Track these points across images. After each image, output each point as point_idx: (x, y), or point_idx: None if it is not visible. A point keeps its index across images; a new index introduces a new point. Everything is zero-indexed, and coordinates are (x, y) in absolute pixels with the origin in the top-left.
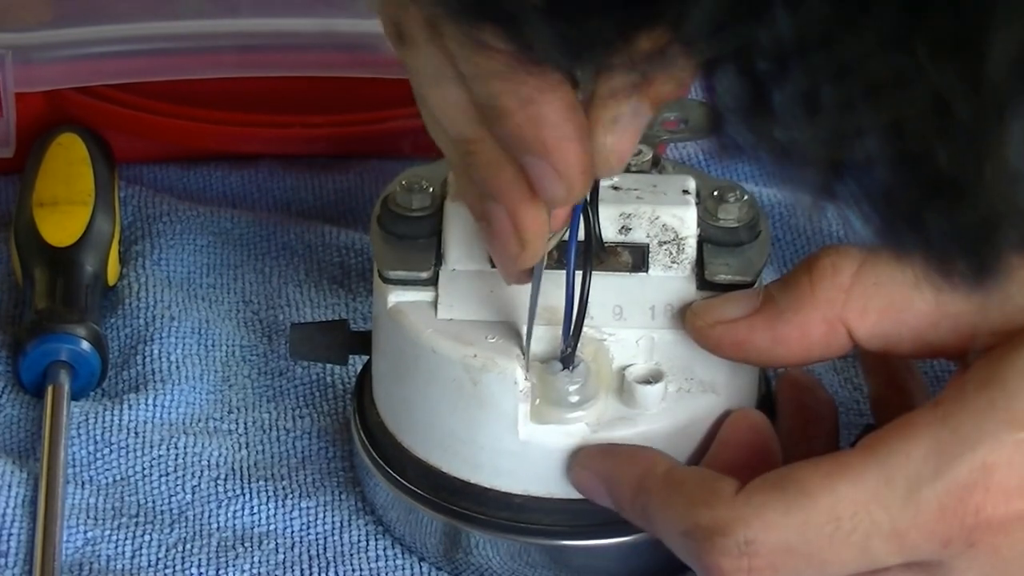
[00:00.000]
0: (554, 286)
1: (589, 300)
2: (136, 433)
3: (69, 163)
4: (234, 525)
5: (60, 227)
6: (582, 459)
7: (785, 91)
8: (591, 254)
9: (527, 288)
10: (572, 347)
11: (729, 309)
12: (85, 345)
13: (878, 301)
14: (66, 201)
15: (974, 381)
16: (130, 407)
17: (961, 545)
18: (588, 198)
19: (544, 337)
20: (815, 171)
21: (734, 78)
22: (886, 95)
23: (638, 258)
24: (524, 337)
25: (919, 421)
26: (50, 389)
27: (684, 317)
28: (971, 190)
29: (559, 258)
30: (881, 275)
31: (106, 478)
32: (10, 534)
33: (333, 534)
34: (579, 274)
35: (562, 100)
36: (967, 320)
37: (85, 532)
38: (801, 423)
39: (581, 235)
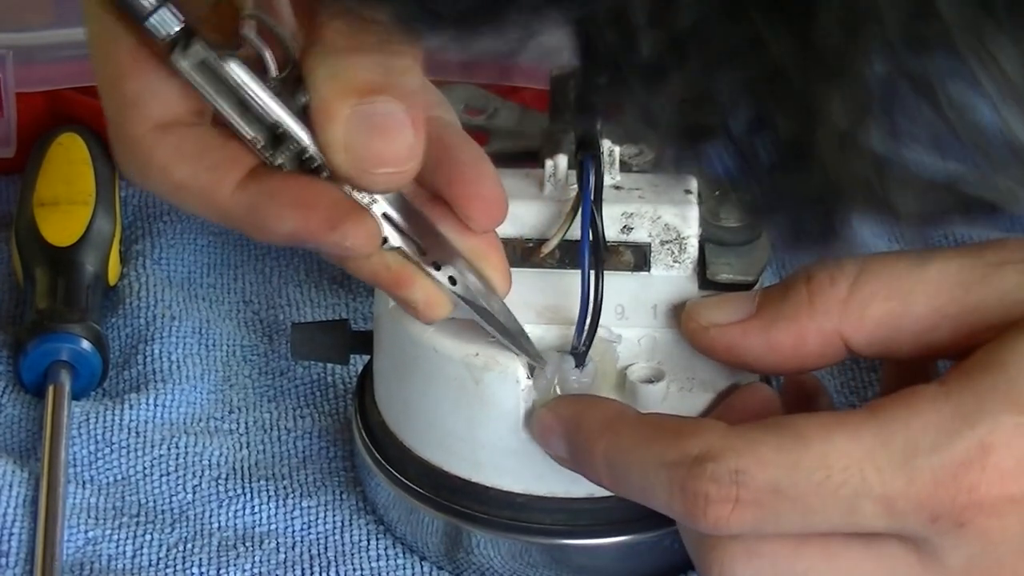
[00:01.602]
0: (555, 286)
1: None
2: (137, 433)
3: (70, 163)
4: (235, 525)
5: (61, 227)
6: (550, 404)
7: (632, 60)
8: (600, 254)
9: (531, 287)
10: (587, 346)
11: (724, 312)
12: (86, 345)
13: (875, 310)
14: (67, 201)
15: (979, 364)
16: (131, 407)
17: (950, 523)
18: (593, 198)
19: (545, 336)
20: (672, 135)
21: (582, 42)
22: (728, 62)
23: (640, 257)
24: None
25: (923, 394)
26: (51, 389)
27: (680, 316)
28: (810, 156)
29: (561, 258)
30: (878, 284)
31: (107, 478)
32: (11, 534)
33: (334, 534)
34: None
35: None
36: (966, 321)
37: (86, 532)
38: None
39: (574, 234)
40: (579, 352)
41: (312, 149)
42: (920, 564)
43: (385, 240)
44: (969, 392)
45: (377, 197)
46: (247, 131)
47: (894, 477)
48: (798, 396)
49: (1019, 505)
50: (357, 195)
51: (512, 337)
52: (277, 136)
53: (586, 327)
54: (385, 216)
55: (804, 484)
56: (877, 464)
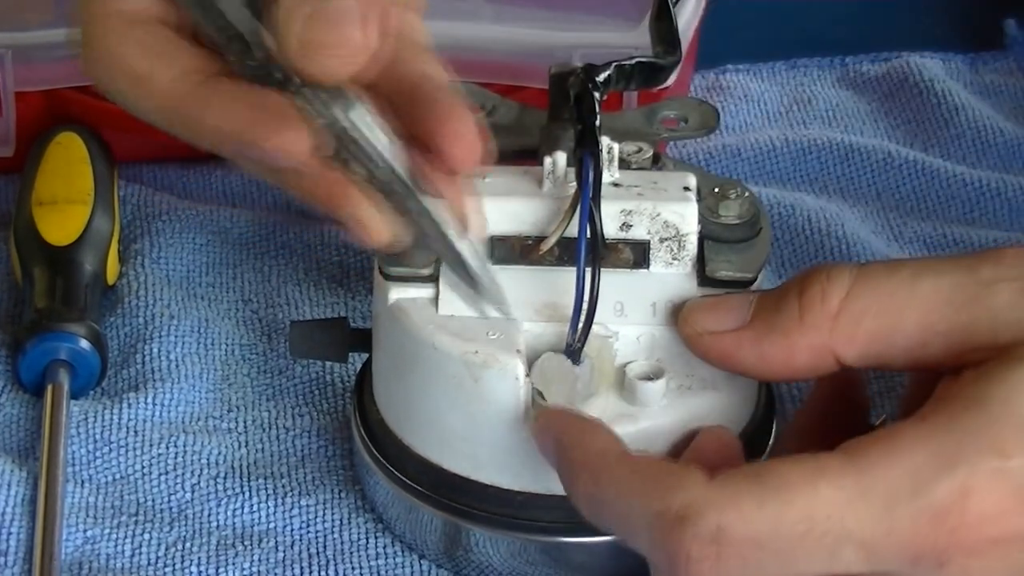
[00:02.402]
0: (554, 283)
1: None
2: (136, 432)
3: (69, 162)
4: (234, 523)
5: (59, 226)
6: (540, 413)
7: None
8: (598, 250)
9: (529, 285)
10: (581, 343)
11: (719, 319)
12: (84, 344)
13: (867, 326)
14: (65, 200)
15: (961, 400)
16: (129, 406)
17: (931, 563)
18: (592, 195)
19: (544, 334)
20: None
21: None
22: None
23: (639, 255)
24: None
25: (903, 436)
26: (50, 388)
27: (678, 318)
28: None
29: (559, 255)
30: (870, 300)
31: (106, 477)
32: (9, 533)
33: (333, 532)
34: (587, 270)
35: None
36: (957, 339)
37: (85, 531)
38: (824, 414)
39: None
40: (574, 349)
41: (269, 46)
42: None
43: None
44: (948, 433)
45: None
46: (211, 31)
47: (875, 525)
48: (837, 383)
49: (999, 546)
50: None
51: (477, 283)
52: (243, 41)
53: (580, 323)
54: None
55: (787, 536)
56: (858, 514)
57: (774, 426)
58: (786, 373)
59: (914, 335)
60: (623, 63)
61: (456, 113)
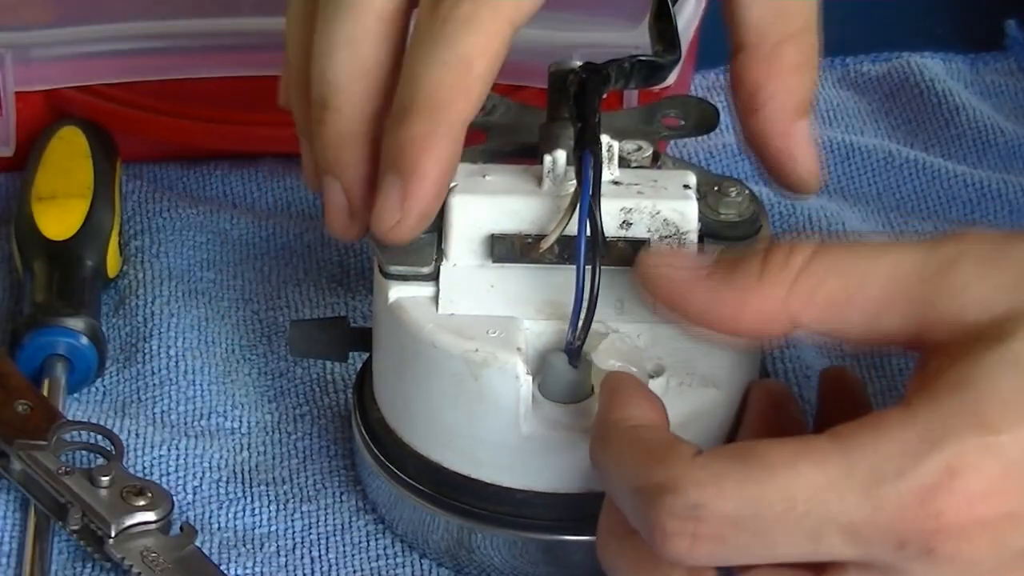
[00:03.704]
0: (555, 281)
1: None
2: (137, 434)
3: (69, 156)
4: (235, 526)
5: (58, 220)
6: (606, 379)
7: None
8: (598, 248)
9: (529, 283)
10: (581, 341)
11: (679, 260)
12: (82, 339)
13: (826, 289)
14: (65, 194)
15: (945, 381)
16: (130, 406)
17: (918, 549)
18: (591, 192)
19: (544, 332)
20: None
21: None
22: None
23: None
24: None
25: (888, 418)
26: (46, 383)
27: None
28: None
29: (559, 253)
30: (832, 264)
31: None
32: (3, 531)
33: (335, 535)
34: (587, 268)
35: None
36: (918, 311)
37: None
38: (824, 417)
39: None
40: (574, 347)
41: None
42: None
43: None
44: (935, 414)
45: None
46: None
47: (859, 505)
48: (765, 405)
49: (988, 528)
50: None
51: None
52: None
53: (580, 321)
54: None
55: (767, 516)
56: (841, 493)
57: None
58: (733, 326)
59: (872, 304)
60: (623, 62)
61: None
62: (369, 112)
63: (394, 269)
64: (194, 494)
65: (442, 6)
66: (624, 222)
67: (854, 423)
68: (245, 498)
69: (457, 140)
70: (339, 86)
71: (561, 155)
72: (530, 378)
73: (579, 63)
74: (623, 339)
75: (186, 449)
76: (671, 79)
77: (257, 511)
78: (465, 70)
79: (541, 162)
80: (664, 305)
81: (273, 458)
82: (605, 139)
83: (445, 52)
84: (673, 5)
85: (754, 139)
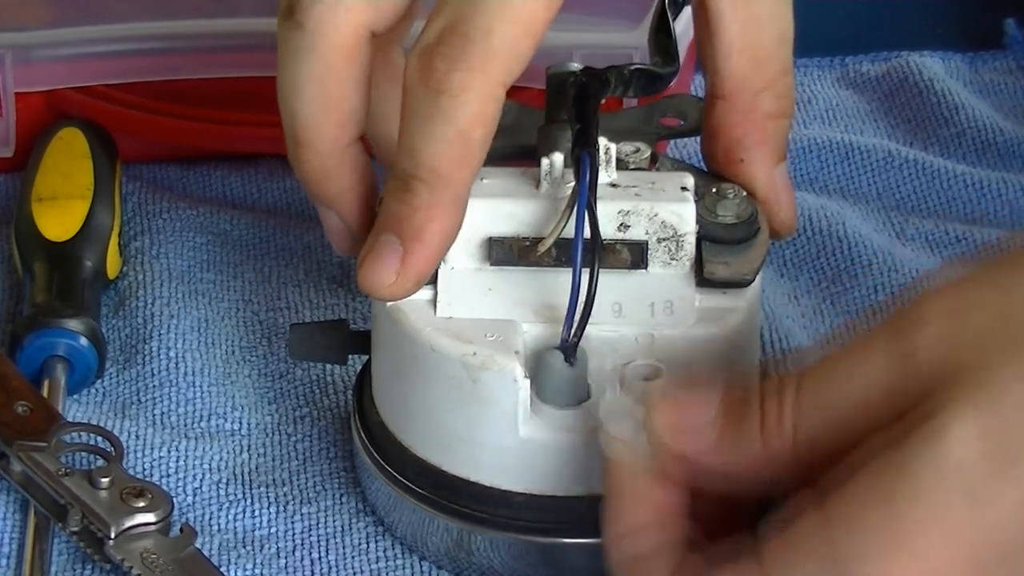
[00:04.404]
0: (553, 284)
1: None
2: (136, 436)
3: (69, 157)
4: (235, 528)
5: (58, 222)
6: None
7: None
8: (598, 243)
9: (527, 286)
10: (577, 338)
11: (688, 417)
12: (82, 340)
13: (823, 430)
14: (64, 195)
15: (862, 492)
16: (130, 407)
17: None
18: (589, 194)
19: (542, 335)
20: None
21: None
22: None
23: (637, 255)
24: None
25: (803, 529)
26: (46, 384)
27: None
28: None
29: (557, 256)
30: (824, 394)
31: None
32: (2, 532)
33: (335, 537)
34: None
35: None
36: (900, 406)
37: None
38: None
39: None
40: (568, 345)
41: None
42: None
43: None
44: (853, 534)
45: None
46: None
47: None
48: None
49: None
50: None
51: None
52: None
53: (575, 320)
54: None
55: None
56: None
57: None
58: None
59: (862, 424)
60: (623, 68)
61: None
62: (344, 144)
63: None
64: (194, 496)
65: (433, 77)
66: (622, 224)
67: (771, 526)
68: (245, 500)
69: (461, 208)
70: (310, 125)
71: (559, 157)
72: (528, 381)
73: (578, 66)
74: (622, 341)
75: (186, 451)
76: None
77: (257, 513)
78: (464, 142)
79: (539, 164)
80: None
81: (273, 460)
82: (603, 141)
83: (444, 127)
84: (673, 20)
85: None
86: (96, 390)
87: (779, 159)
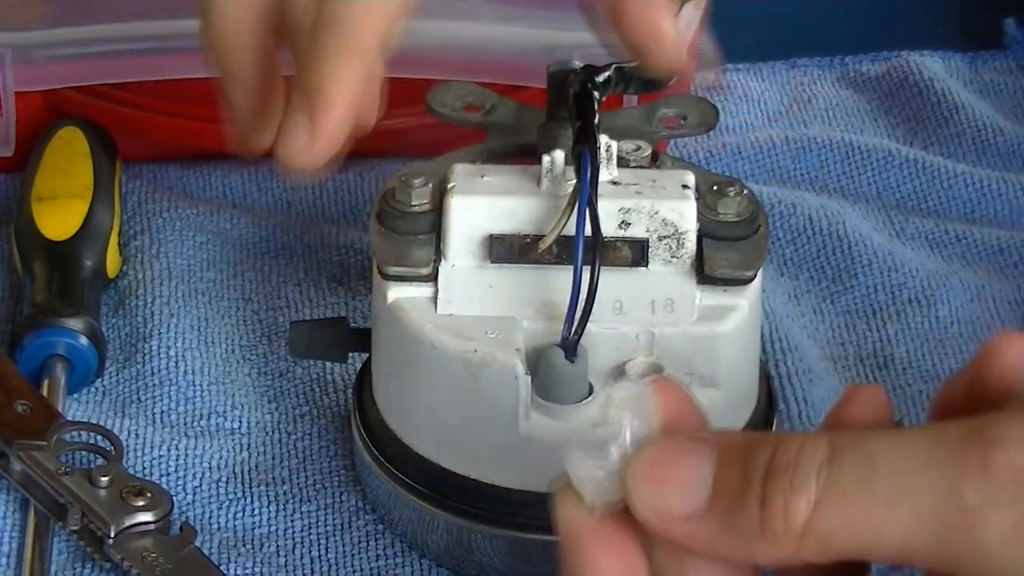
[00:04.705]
0: (553, 282)
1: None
2: (136, 435)
3: (69, 157)
4: (235, 527)
5: (58, 221)
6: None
7: None
8: (599, 240)
9: (528, 283)
10: (578, 336)
11: (669, 500)
12: (82, 339)
13: (837, 546)
14: (64, 195)
15: None
16: (130, 407)
17: None
18: (591, 193)
19: (542, 333)
20: None
21: None
22: None
23: (637, 253)
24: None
25: None
26: (46, 383)
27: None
28: None
29: (558, 253)
30: (840, 519)
31: None
32: (2, 531)
33: (334, 535)
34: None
35: None
36: (942, 568)
37: None
38: None
39: (571, 229)
40: (569, 342)
41: None
42: None
43: None
44: None
45: None
46: None
47: None
48: None
49: None
50: None
51: None
52: None
53: (576, 317)
54: None
55: None
56: None
57: (774, 425)
58: (746, 563)
59: (891, 556)
60: (622, 65)
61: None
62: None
63: (393, 270)
64: (194, 494)
65: None
66: (623, 222)
67: None
68: (245, 498)
69: (364, 60)
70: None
71: (559, 155)
72: (529, 378)
73: (579, 64)
74: (622, 339)
75: (186, 449)
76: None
77: (257, 511)
78: None
79: (540, 162)
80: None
81: (273, 458)
82: (604, 139)
83: None
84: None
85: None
86: (96, 389)
87: None
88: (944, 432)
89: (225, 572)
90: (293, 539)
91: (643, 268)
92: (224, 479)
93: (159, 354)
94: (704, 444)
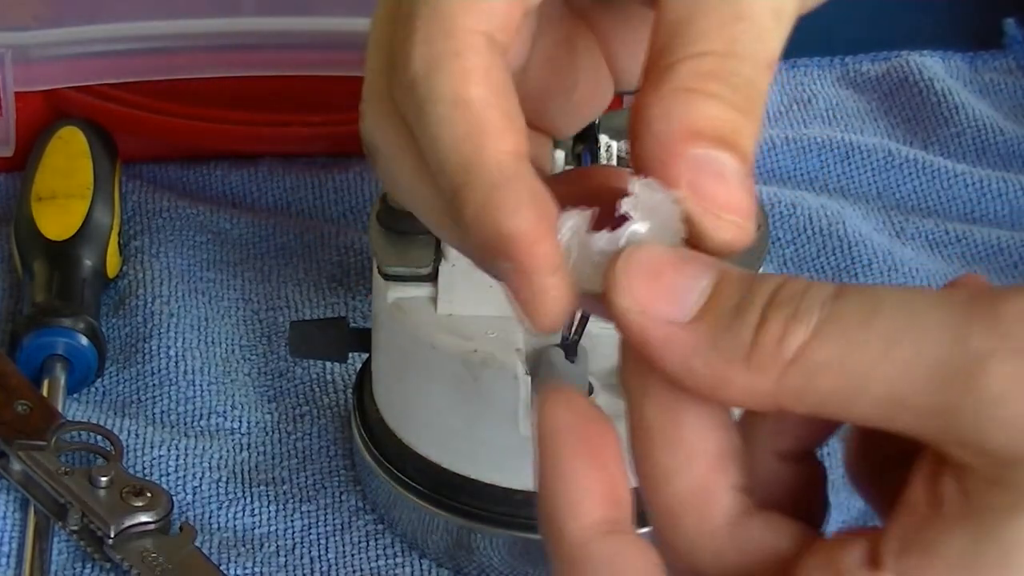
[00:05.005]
0: None
1: None
2: (136, 435)
3: (69, 157)
4: (235, 526)
5: (58, 221)
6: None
7: None
8: None
9: None
10: (578, 335)
11: (658, 300)
12: (82, 339)
13: (822, 384)
14: (64, 195)
15: (957, 543)
16: (129, 406)
17: None
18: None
19: (542, 333)
20: None
21: None
22: None
23: None
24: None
25: None
26: (46, 383)
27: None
28: None
29: None
30: (834, 350)
31: None
32: (3, 531)
33: (334, 535)
34: None
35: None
36: (931, 424)
37: None
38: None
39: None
40: (569, 342)
41: None
42: None
43: None
44: None
45: None
46: None
47: None
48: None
49: None
50: None
51: None
52: None
53: (576, 317)
54: None
55: None
56: None
57: None
58: (711, 395)
59: (878, 407)
60: None
61: None
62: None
63: (393, 270)
64: (193, 494)
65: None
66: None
67: None
68: (245, 498)
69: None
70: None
71: (560, 155)
72: (529, 378)
73: None
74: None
75: (186, 449)
76: None
77: (257, 511)
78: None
79: None
80: (633, 344)
81: (273, 458)
82: (604, 139)
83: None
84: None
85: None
86: (96, 389)
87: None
88: (955, 290)
89: (225, 572)
90: (293, 539)
91: None
92: (224, 479)
93: (159, 354)
94: (709, 261)
